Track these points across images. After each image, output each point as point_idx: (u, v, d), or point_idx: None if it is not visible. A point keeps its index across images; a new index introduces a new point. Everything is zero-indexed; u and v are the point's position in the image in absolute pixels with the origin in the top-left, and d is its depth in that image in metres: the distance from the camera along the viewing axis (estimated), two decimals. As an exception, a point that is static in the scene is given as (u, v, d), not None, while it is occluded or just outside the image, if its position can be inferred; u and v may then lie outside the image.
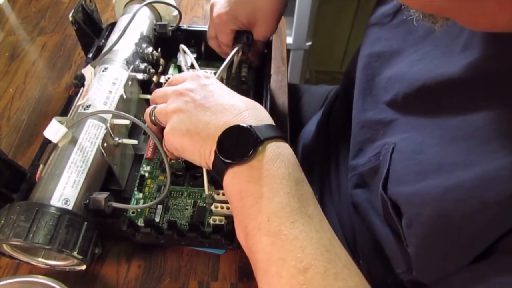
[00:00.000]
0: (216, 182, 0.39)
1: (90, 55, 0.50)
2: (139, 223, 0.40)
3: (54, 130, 0.37)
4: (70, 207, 0.35)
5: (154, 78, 0.49)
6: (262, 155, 0.30)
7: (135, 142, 0.42)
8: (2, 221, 0.33)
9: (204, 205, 0.42)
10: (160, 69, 0.52)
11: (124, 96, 0.44)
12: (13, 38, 0.66)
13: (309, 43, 1.18)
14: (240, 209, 0.30)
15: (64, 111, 0.44)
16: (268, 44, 0.52)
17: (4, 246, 0.35)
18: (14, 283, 0.36)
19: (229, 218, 0.38)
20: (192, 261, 0.41)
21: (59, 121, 0.37)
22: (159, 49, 0.50)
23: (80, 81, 0.46)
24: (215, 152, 0.31)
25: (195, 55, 0.52)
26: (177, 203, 0.42)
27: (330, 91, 0.66)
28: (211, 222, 0.38)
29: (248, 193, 0.30)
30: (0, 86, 0.58)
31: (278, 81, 0.58)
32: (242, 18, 0.45)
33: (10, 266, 0.41)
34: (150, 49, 0.49)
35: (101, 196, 0.37)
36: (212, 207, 0.39)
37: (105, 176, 0.41)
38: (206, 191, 0.38)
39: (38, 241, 0.32)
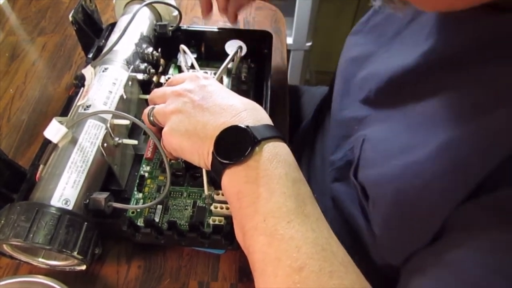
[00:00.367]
0: (216, 183, 0.39)
1: (90, 55, 0.50)
2: (138, 223, 0.40)
3: (54, 130, 0.37)
4: (70, 207, 0.35)
5: (154, 78, 0.49)
6: (259, 155, 0.30)
7: (135, 142, 0.42)
8: (2, 221, 0.33)
9: (204, 205, 0.42)
10: (160, 69, 0.52)
11: (124, 96, 0.44)
12: (13, 38, 0.66)
13: (309, 44, 1.18)
14: (238, 209, 0.30)
15: (64, 111, 0.44)
16: (268, 44, 0.52)
17: (4, 246, 0.35)
18: (14, 283, 0.36)
19: (229, 219, 0.38)
20: (192, 261, 0.41)
21: (59, 121, 0.38)
22: (159, 49, 0.50)
23: (80, 81, 0.46)
24: (213, 152, 0.31)
25: (195, 55, 0.52)
26: (177, 203, 0.42)
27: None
28: (211, 222, 0.38)
29: (245, 193, 0.30)
30: (0, 86, 0.58)
31: (278, 81, 0.58)
32: None
33: (11, 266, 0.41)
34: (150, 49, 0.49)
35: (101, 196, 0.37)
36: (212, 208, 0.39)
37: (105, 176, 0.41)
38: (206, 191, 0.38)
39: (38, 241, 0.32)
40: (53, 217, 0.33)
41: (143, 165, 0.45)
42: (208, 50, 0.55)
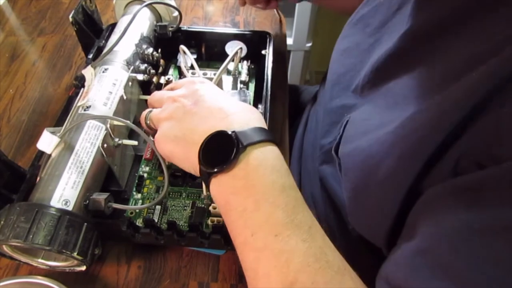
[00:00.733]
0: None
1: (90, 56, 0.50)
2: (137, 224, 0.40)
3: (47, 142, 0.37)
4: (70, 208, 0.35)
5: (154, 79, 0.49)
6: (245, 163, 0.29)
7: (135, 143, 0.42)
8: (2, 222, 0.33)
9: (203, 206, 0.42)
10: (160, 70, 0.52)
11: (124, 97, 0.44)
12: (13, 39, 0.66)
13: (309, 44, 1.18)
14: (228, 222, 0.30)
15: (64, 112, 0.44)
16: (268, 45, 0.52)
17: (4, 247, 0.35)
18: (14, 283, 0.36)
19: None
20: (192, 262, 0.41)
21: (51, 132, 0.37)
22: (159, 50, 0.50)
23: (80, 82, 0.46)
24: (198, 160, 0.31)
25: (195, 56, 0.52)
26: (176, 203, 0.42)
27: None
28: (210, 223, 0.38)
29: (232, 206, 0.29)
30: (0, 86, 0.58)
31: (278, 81, 0.58)
32: None
33: (10, 267, 0.41)
34: (150, 50, 0.49)
35: (101, 197, 0.37)
36: (211, 208, 0.39)
37: (105, 176, 0.41)
38: (204, 192, 0.38)
39: (38, 242, 0.32)
40: (53, 217, 0.33)
41: (142, 166, 0.45)
42: (208, 50, 0.55)
